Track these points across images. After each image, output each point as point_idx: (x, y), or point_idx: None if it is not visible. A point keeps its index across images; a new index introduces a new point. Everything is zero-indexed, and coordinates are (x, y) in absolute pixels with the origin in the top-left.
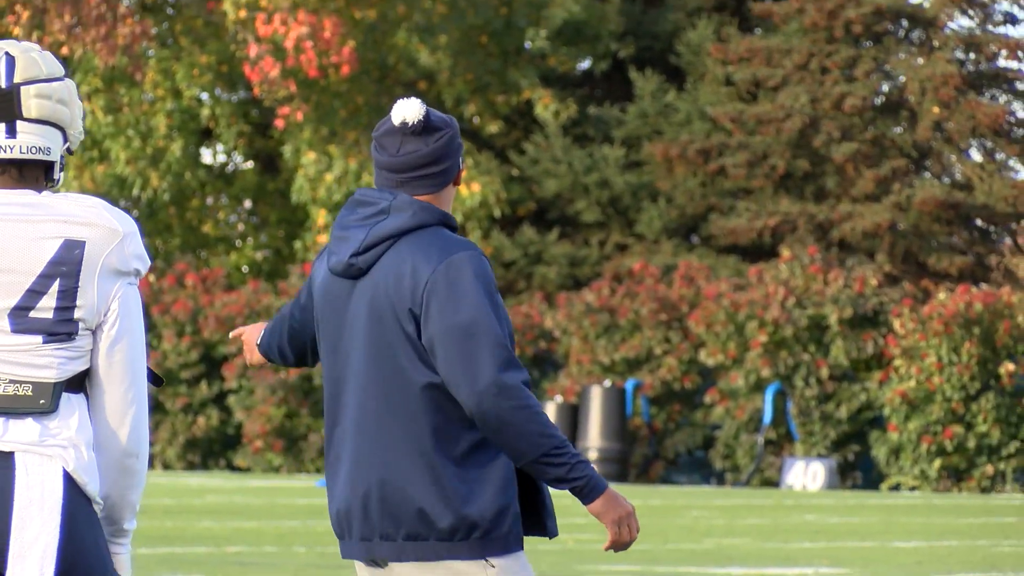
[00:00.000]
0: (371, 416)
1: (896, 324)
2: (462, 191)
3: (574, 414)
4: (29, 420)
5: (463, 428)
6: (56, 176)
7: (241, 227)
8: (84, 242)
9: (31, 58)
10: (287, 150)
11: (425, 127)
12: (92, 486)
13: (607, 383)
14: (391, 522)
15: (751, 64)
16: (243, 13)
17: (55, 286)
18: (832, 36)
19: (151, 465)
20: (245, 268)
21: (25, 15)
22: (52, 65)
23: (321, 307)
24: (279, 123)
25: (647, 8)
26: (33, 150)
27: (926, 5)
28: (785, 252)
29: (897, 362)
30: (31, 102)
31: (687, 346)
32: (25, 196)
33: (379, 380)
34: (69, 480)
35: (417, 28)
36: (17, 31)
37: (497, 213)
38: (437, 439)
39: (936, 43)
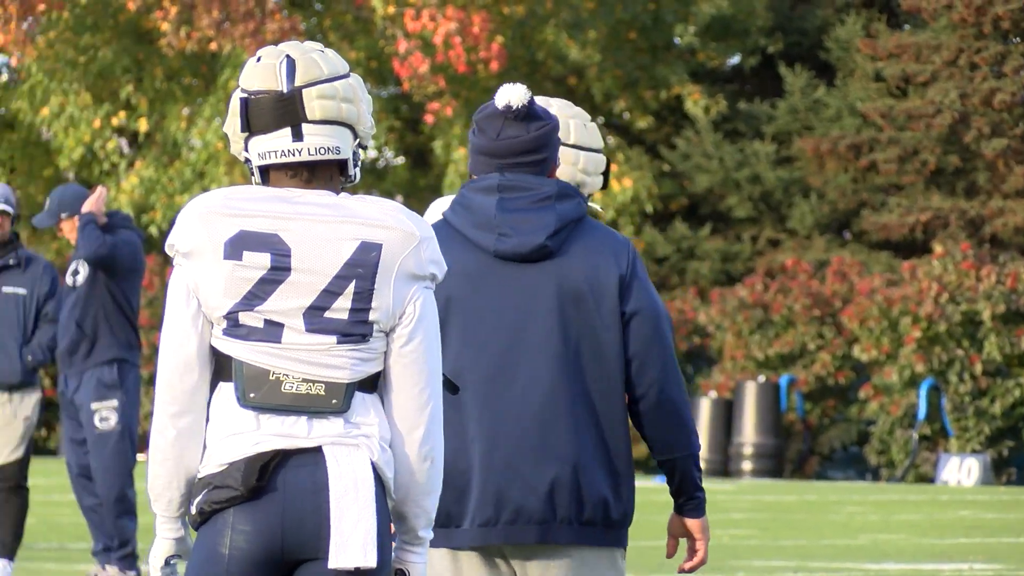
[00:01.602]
0: (563, 400)
1: None
2: (614, 186)
3: (728, 410)
4: (330, 416)
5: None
6: (351, 173)
7: None
8: (381, 244)
9: (311, 59)
10: (438, 145)
11: (528, 113)
12: (391, 483)
13: (761, 379)
14: (576, 507)
15: (900, 60)
16: (392, 9)
17: (351, 287)
18: (981, 32)
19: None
20: None
21: (173, 11)
22: (334, 64)
23: (465, 291)
24: (429, 118)
25: (796, 3)
26: (321, 151)
27: None
28: (937, 248)
29: None
30: (314, 104)
31: (841, 342)
32: (323, 196)
33: (576, 362)
34: (375, 470)
35: (566, 23)
36: (165, 26)
37: (649, 208)
38: (623, 424)
39: None
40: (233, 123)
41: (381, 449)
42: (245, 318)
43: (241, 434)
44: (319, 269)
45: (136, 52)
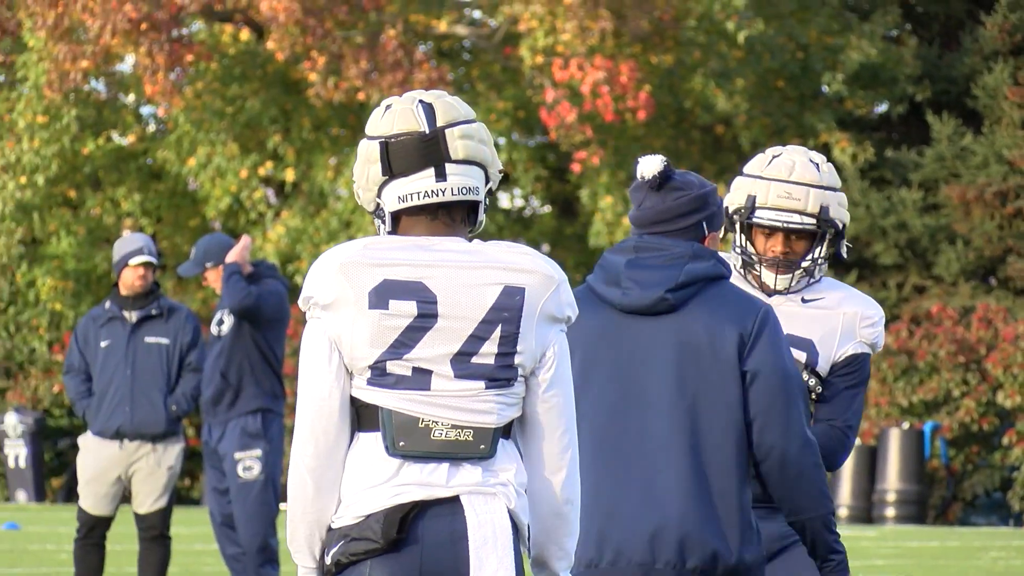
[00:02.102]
0: (675, 450)
1: None
2: None
3: (872, 456)
4: (468, 464)
5: (752, 472)
6: (480, 217)
7: None
8: (524, 288)
9: (447, 102)
10: (584, 194)
11: (662, 183)
12: (526, 529)
13: (905, 425)
14: (679, 554)
15: None
16: (540, 58)
17: (497, 331)
18: None
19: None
20: None
21: (321, 61)
22: (467, 108)
23: (591, 343)
24: (576, 167)
25: (944, 51)
26: (463, 191)
27: None
28: None
29: None
30: (457, 143)
31: (985, 388)
32: (460, 243)
33: (690, 415)
34: (511, 518)
35: (713, 72)
36: (313, 76)
37: None
38: (740, 478)
39: None
40: (368, 170)
41: (517, 495)
42: (393, 367)
43: (379, 485)
44: (466, 315)
45: (284, 102)
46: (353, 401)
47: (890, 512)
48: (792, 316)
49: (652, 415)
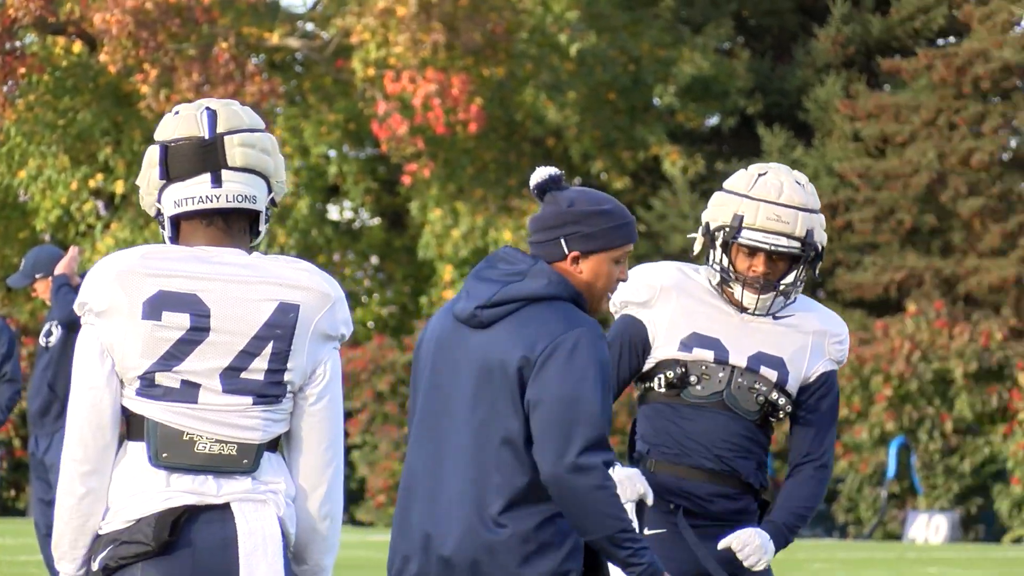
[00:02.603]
0: (461, 465)
1: (1021, 378)
2: None
3: None
4: (239, 476)
5: (540, 493)
6: (261, 228)
7: (367, 283)
8: (299, 305)
9: (232, 110)
10: (414, 206)
11: (540, 194)
12: (292, 538)
13: None
14: (446, 569)
15: (879, 120)
16: (371, 71)
17: (269, 348)
18: (960, 92)
19: None
20: (371, 324)
21: (153, 73)
22: (254, 118)
23: (430, 347)
24: (406, 180)
25: (776, 64)
26: (239, 198)
27: None
28: (911, 306)
29: (1021, 416)
30: (236, 151)
31: None
32: (239, 256)
33: (478, 433)
34: (281, 525)
35: (545, 85)
36: (145, 89)
37: None
38: (511, 498)
39: None
40: (149, 174)
41: (286, 504)
42: (161, 378)
43: (150, 491)
44: (238, 330)
45: (115, 115)
46: (124, 410)
47: None
48: (763, 333)
49: (451, 427)
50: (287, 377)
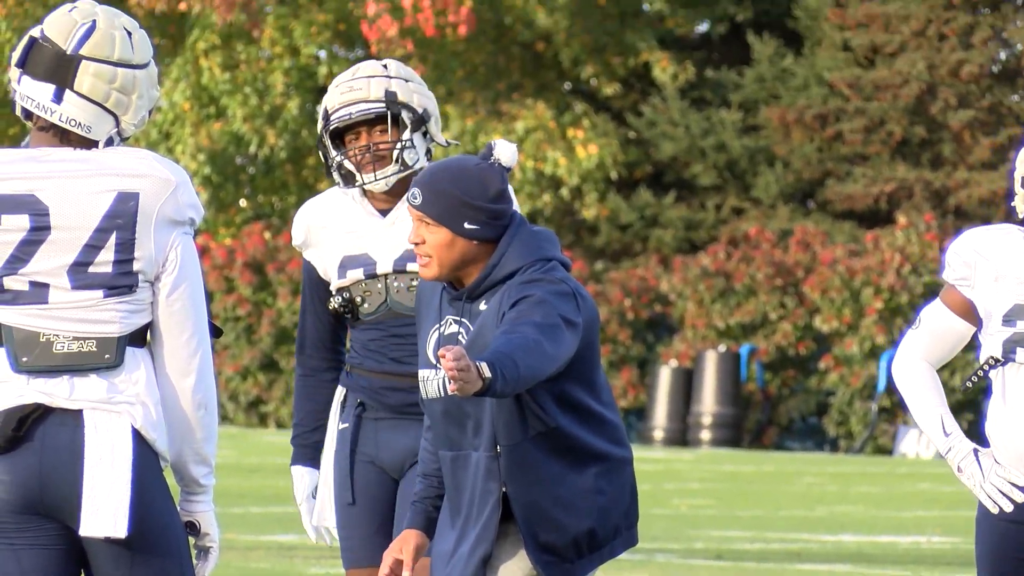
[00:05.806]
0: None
1: None
2: (579, 153)
3: (688, 379)
4: (94, 377)
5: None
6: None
7: None
8: (138, 193)
9: (110, 35)
10: None
11: None
12: (160, 443)
13: (722, 348)
14: None
15: (869, 30)
16: None
17: (112, 239)
18: (950, 3)
19: (265, 423)
20: None
21: None
22: (128, 50)
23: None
24: None
25: None
26: (72, 123)
27: None
28: (901, 219)
29: None
30: (86, 78)
31: (802, 312)
32: (73, 152)
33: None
34: (138, 437)
35: None
36: None
37: (614, 175)
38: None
39: None
40: (18, 52)
41: (146, 413)
42: (10, 282)
43: (5, 392)
44: (79, 225)
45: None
46: None
47: (705, 435)
48: None
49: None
50: (136, 266)
